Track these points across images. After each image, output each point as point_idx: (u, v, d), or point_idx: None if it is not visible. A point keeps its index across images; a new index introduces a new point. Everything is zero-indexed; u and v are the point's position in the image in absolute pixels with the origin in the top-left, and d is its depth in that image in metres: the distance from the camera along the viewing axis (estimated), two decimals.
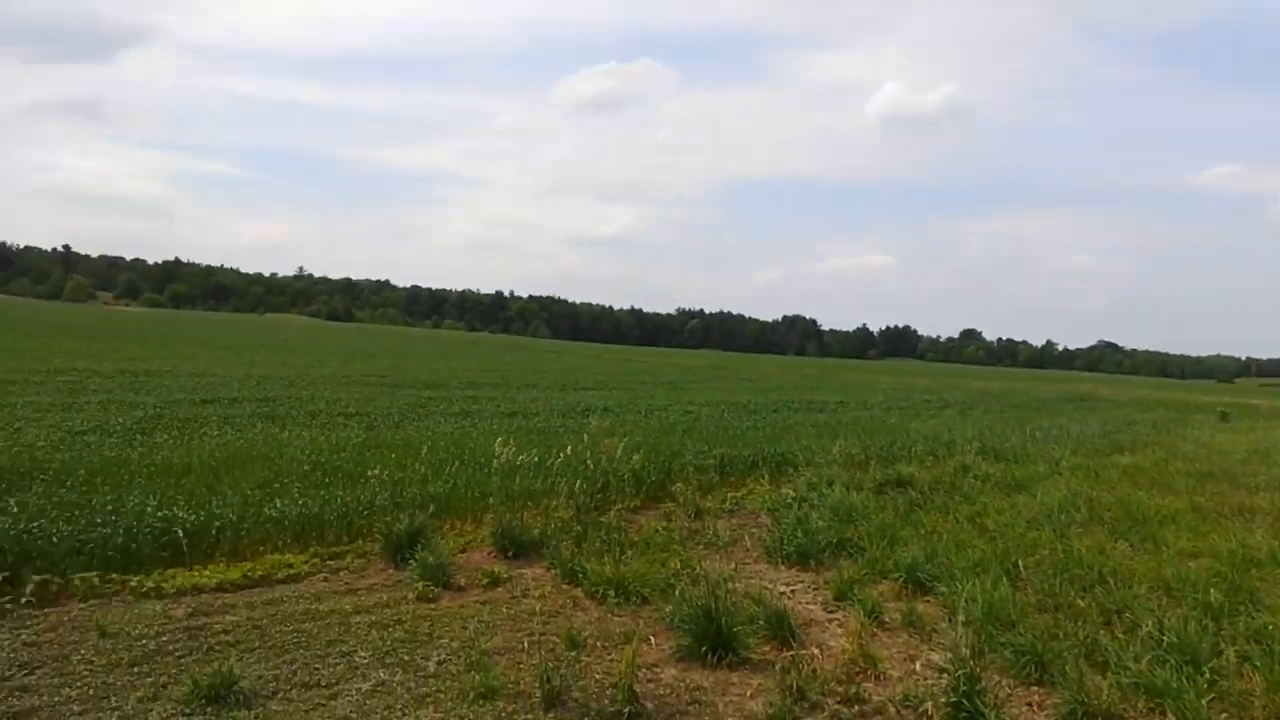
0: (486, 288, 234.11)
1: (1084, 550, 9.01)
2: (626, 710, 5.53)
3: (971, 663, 5.81)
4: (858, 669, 6.42)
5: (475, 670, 5.99)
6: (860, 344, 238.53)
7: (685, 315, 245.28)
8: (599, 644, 6.71)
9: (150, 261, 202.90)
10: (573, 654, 6.43)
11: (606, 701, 5.61)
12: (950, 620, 6.99)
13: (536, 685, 5.70)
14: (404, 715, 5.37)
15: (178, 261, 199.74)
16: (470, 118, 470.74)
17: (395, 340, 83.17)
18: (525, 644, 6.58)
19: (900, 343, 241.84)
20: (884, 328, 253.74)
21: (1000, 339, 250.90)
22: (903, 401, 36.87)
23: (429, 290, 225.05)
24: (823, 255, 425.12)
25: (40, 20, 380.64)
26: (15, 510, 8.01)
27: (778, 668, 6.32)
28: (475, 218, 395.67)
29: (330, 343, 63.86)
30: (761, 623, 6.98)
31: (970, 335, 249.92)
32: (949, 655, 5.97)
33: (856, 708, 5.89)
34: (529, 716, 5.45)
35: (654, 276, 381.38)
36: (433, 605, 7.55)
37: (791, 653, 6.54)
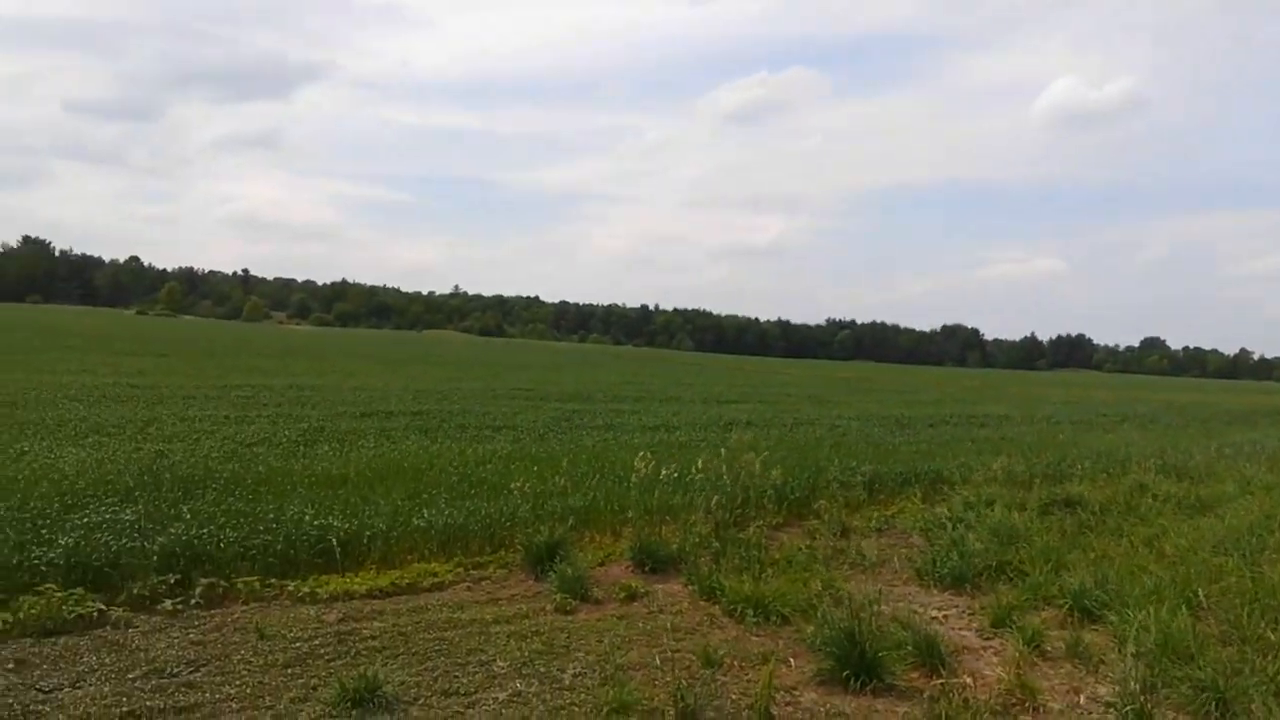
0: (633, 302, 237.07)
1: (1277, 579, 8.09)
2: None
3: (1142, 697, 5.29)
4: (1014, 700, 5.97)
5: (610, 685, 5.92)
6: (1028, 354, 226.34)
7: (835, 326, 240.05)
8: (736, 663, 6.51)
9: (320, 283, 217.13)
10: (708, 672, 6.27)
11: None
12: (1120, 651, 6.40)
13: (670, 703, 5.57)
14: None
15: (344, 282, 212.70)
16: (619, 135, 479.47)
17: (543, 354, 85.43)
18: (660, 660, 6.46)
19: (1073, 353, 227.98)
20: (1055, 337, 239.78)
21: (1186, 348, 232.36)
22: (1075, 415, 34.70)
23: (576, 305, 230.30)
24: (986, 262, 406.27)
25: (226, 63, 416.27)
26: (188, 517, 8.58)
27: (926, 696, 5.96)
28: (622, 233, 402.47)
29: (482, 357, 66.24)
30: (910, 648, 6.59)
31: (1152, 344, 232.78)
32: (1117, 688, 5.45)
33: None
34: None
35: (803, 288, 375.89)
36: (570, 617, 7.56)
37: (942, 681, 6.15)
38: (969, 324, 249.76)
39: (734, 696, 5.92)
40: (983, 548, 9.48)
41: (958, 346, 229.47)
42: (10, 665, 5.78)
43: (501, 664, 6.34)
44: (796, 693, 6.09)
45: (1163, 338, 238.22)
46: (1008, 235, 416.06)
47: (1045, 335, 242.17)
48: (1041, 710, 5.87)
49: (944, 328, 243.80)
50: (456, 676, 6.07)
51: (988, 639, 7.33)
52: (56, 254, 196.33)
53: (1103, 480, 14.43)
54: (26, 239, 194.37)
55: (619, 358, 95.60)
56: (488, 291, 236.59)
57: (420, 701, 5.63)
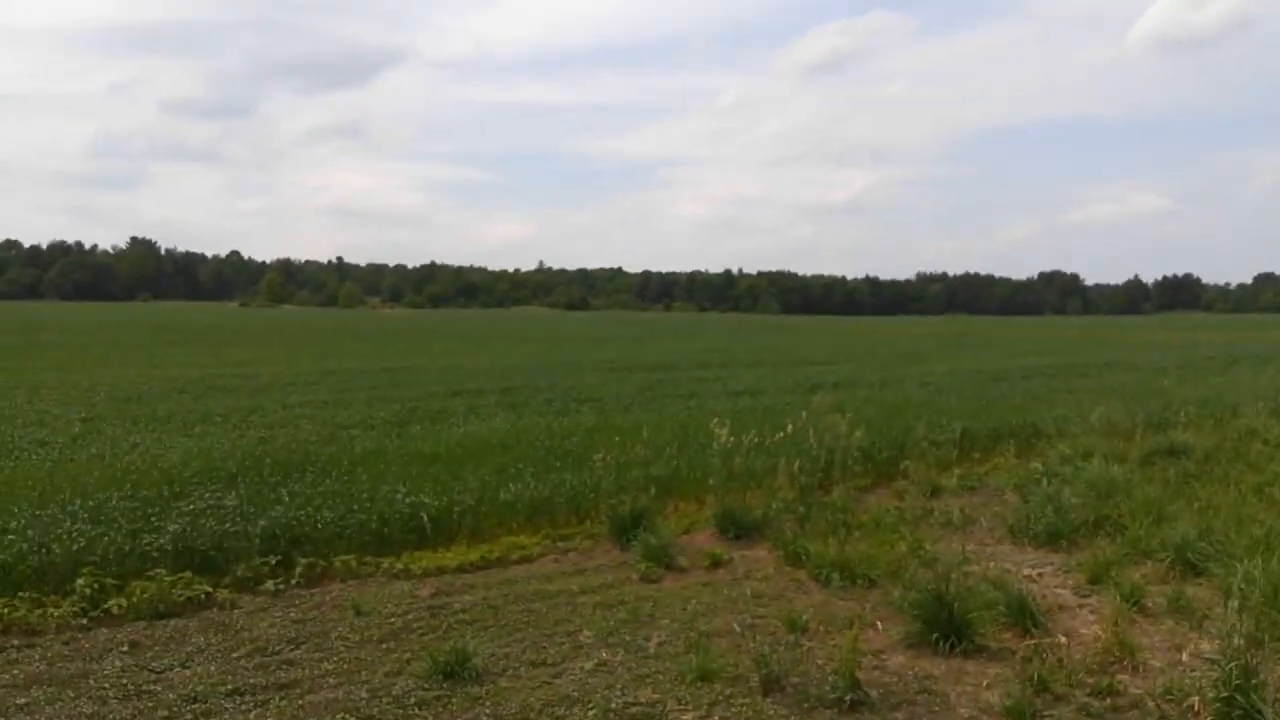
0: (716, 267, 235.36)
1: None
2: (849, 698, 5.26)
3: (1249, 652, 5.01)
4: (1112, 659, 5.77)
5: (694, 652, 5.95)
6: (1131, 298, 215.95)
7: (926, 280, 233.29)
8: (821, 628, 6.47)
9: (410, 266, 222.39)
10: (793, 637, 6.24)
11: (828, 688, 5.36)
12: (1225, 605, 6.10)
13: (755, 669, 5.57)
14: (624, 695, 5.42)
15: (433, 264, 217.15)
16: (696, 98, 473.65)
17: (627, 325, 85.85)
18: (743, 626, 6.46)
19: (1180, 294, 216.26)
20: (1160, 278, 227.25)
21: None
22: (1181, 360, 33.14)
23: (659, 274, 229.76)
24: (1084, 203, 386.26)
25: (307, 55, 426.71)
26: (288, 499, 8.95)
27: (1019, 656, 5.82)
28: (703, 197, 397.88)
29: (567, 331, 66.95)
30: (1001, 608, 6.44)
31: (1268, 280, 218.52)
32: (1221, 644, 5.20)
33: (1109, 700, 5.29)
34: (746, 701, 5.33)
35: (891, 242, 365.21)
36: (655, 586, 7.63)
37: (1035, 640, 5.98)
38: (1068, 270, 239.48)
39: (819, 661, 5.88)
40: (1079, 502, 9.16)
41: (1056, 294, 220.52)
42: (125, 647, 6.13)
43: (588, 634, 6.44)
44: (884, 656, 6.02)
45: (1277, 273, 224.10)
46: (1107, 173, 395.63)
47: (1150, 277, 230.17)
48: (1141, 668, 5.66)
49: (1041, 275, 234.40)
50: (544, 647, 6.19)
51: (1084, 596, 7.10)
52: (162, 252, 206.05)
53: (1209, 426, 13.81)
54: (134, 240, 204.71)
55: (703, 324, 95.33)
56: (571, 265, 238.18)
57: (509, 672, 5.77)
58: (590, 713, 5.19)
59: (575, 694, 5.44)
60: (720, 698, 5.37)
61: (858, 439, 10.59)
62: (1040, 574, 7.68)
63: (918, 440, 12.43)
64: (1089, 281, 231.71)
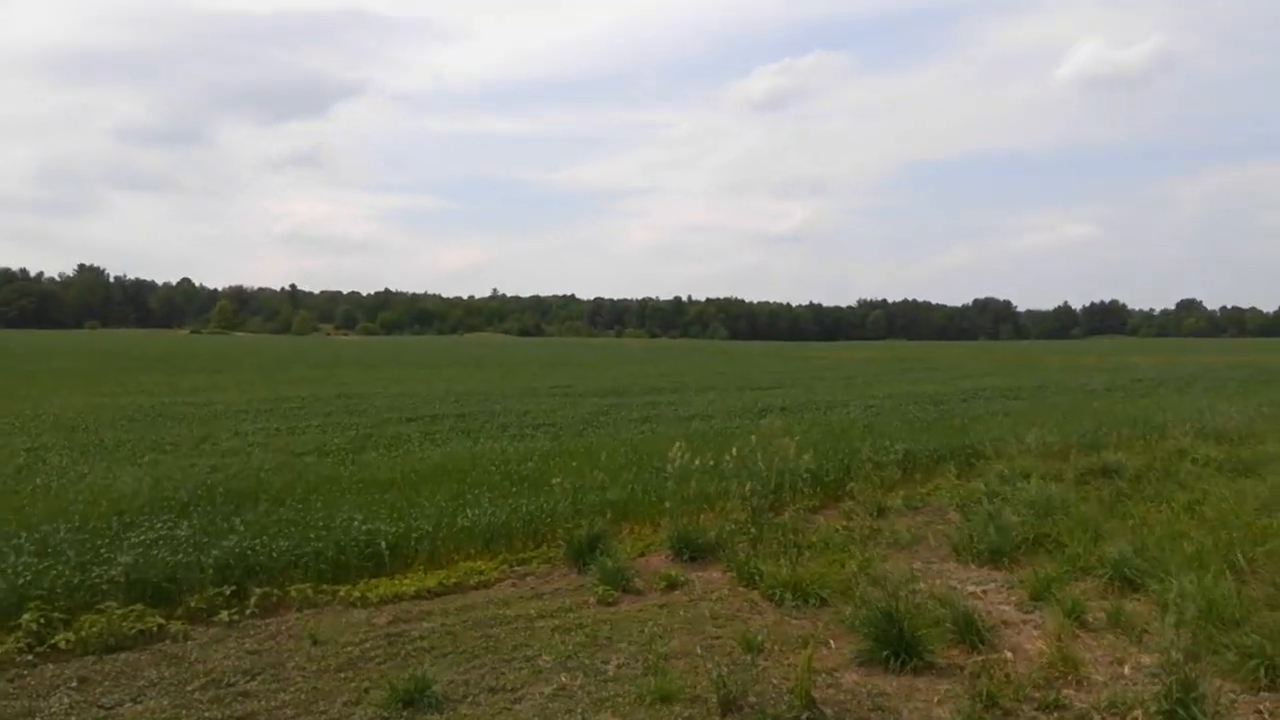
0: (666, 294, 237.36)
1: None
2: (804, 716, 5.41)
3: (1187, 666, 5.28)
4: (1057, 673, 5.99)
5: (653, 674, 6.05)
6: (1061, 324, 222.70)
7: (867, 307, 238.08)
8: (776, 647, 6.61)
9: (364, 293, 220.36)
10: (749, 658, 6.37)
11: (784, 707, 5.51)
12: (1162, 619, 6.38)
13: (713, 690, 5.69)
14: (583, 719, 5.50)
15: (388, 291, 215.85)
16: (648, 130, 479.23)
17: (580, 351, 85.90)
18: (701, 648, 6.58)
19: (1108, 319, 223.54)
20: (1088, 304, 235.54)
21: (1224, 307, 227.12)
22: (1110, 383, 34.23)
23: (611, 301, 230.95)
24: (1016, 232, 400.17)
25: (265, 85, 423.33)
26: (242, 529, 8.85)
27: (967, 672, 6.02)
28: (654, 226, 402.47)
29: (521, 357, 66.73)
30: (949, 625, 6.64)
31: (1189, 306, 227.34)
32: (1161, 657, 5.46)
33: (1056, 715, 5.50)
34: None
35: (833, 270, 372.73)
36: (612, 609, 7.71)
37: (982, 657, 6.20)
38: (1001, 296, 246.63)
39: (775, 681, 6.01)
40: (1019, 520, 9.46)
41: (990, 320, 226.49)
42: (74, 684, 6.01)
43: (546, 658, 6.51)
44: (837, 674, 6.18)
45: (1199, 299, 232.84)
46: (1038, 204, 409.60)
47: (1079, 303, 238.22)
48: (1085, 683, 5.89)
49: (975, 302, 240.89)
50: (503, 673, 6.24)
51: (1027, 612, 7.35)
52: (111, 280, 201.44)
53: (1140, 447, 14.28)
54: (82, 267, 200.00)
55: (654, 350, 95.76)
56: (525, 292, 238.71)
57: (469, 699, 5.80)
58: None
59: (535, 719, 5.50)
60: (679, 719, 5.47)
61: (806, 461, 10.81)
62: (985, 591, 7.92)
63: (863, 462, 12.71)
64: (1021, 308, 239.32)
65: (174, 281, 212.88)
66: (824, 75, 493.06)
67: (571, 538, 9.17)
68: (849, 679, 6.13)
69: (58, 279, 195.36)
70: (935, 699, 5.76)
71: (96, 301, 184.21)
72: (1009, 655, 6.33)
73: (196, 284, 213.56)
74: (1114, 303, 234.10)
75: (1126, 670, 6.08)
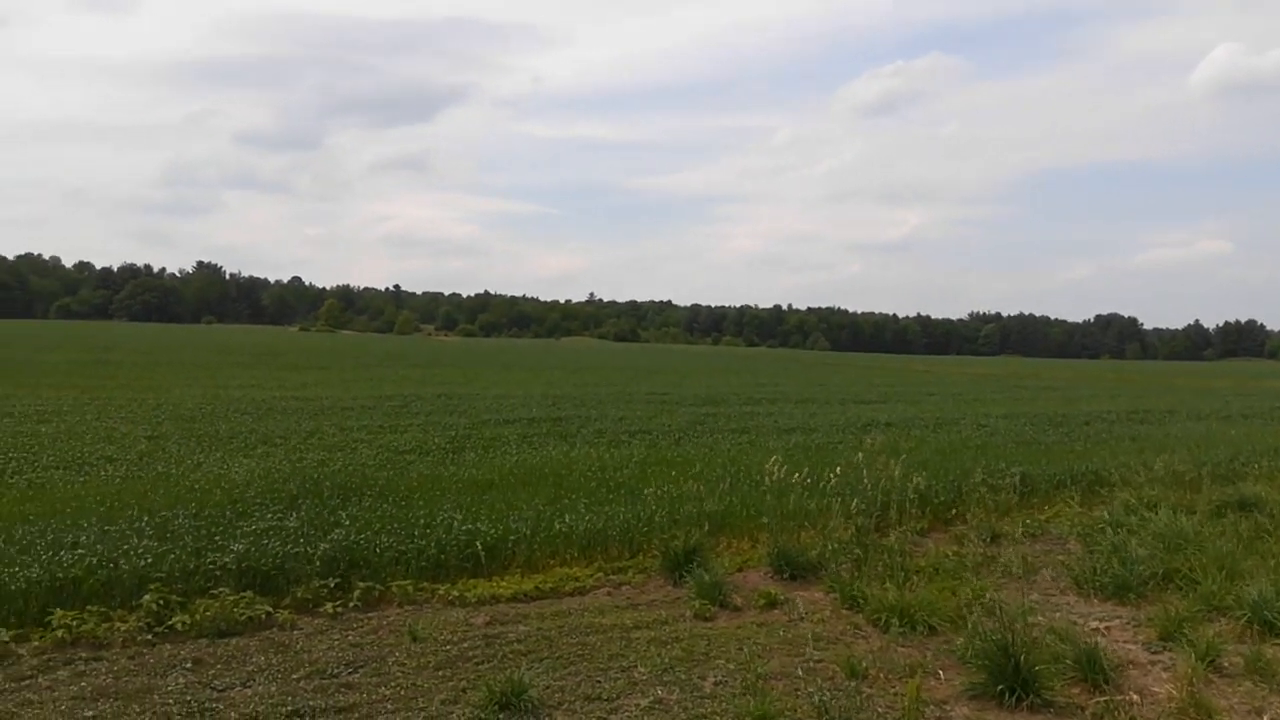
0: (765, 303, 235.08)
1: None
2: None
3: None
4: None
5: (751, 694, 5.87)
6: (1192, 344, 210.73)
7: (979, 320, 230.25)
8: (881, 675, 6.33)
9: (465, 295, 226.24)
10: (852, 684, 6.12)
11: None
12: None
13: (814, 714, 5.47)
14: None
15: (487, 294, 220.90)
16: (749, 136, 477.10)
17: (676, 358, 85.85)
18: (802, 670, 6.36)
19: (1243, 340, 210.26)
20: (1221, 324, 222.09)
21: None
22: (1247, 409, 32.12)
23: (708, 308, 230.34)
24: (1144, 247, 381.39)
25: (375, 91, 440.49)
26: (347, 523, 9.07)
27: (1088, 713, 5.63)
28: (754, 234, 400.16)
29: (617, 362, 67.14)
30: (1069, 661, 6.24)
31: None
32: None
33: None
34: None
35: (943, 281, 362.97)
36: (709, 624, 7.55)
37: (1106, 697, 5.79)
38: (1126, 313, 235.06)
39: (879, 710, 5.75)
40: (1147, 554, 8.87)
41: (1114, 338, 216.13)
42: (188, 664, 6.24)
43: (642, 670, 6.39)
44: (946, 707, 5.87)
45: None
46: (1167, 217, 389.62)
47: (1211, 322, 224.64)
48: None
49: (1098, 318, 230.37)
50: (599, 681, 6.15)
51: (1155, 653, 6.85)
52: (227, 277, 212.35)
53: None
54: (200, 264, 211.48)
55: (752, 359, 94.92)
56: (622, 298, 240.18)
57: (564, 706, 5.74)
58: None
59: None
60: None
61: (916, 482, 10.41)
62: (1108, 627, 7.43)
63: (976, 484, 12.18)
64: (1148, 325, 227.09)
65: (285, 280, 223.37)
66: (938, 78, 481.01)
67: (668, 549, 9.04)
68: (959, 712, 5.81)
69: (178, 275, 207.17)
70: None
71: (213, 298, 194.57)
72: (1135, 697, 5.89)
73: (306, 283, 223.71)
74: (1250, 323, 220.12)
75: None
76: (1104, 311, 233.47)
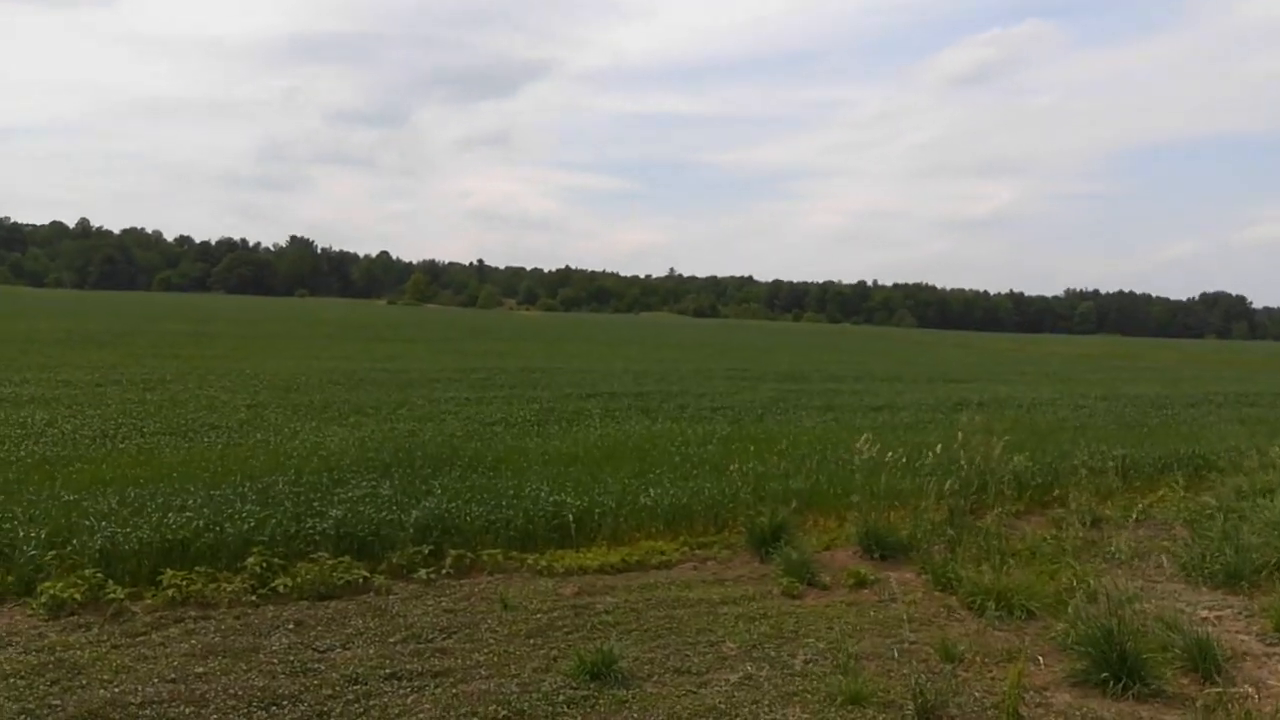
0: (849, 279, 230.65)
1: None
2: None
3: None
4: None
5: (843, 673, 5.78)
6: None
7: (1075, 297, 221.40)
8: (977, 659, 6.18)
9: (546, 270, 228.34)
10: (948, 667, 5.98)
11: None
12: None
13: (909, 697, 5.36)
14: (771, 712, 5.32)
15: (568, 269, 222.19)
16: (834, 109, 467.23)
17: (757, 334, 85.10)
18: (895, 651, 6.24)
19: None
20: None
21: None
22: None
23: (790, 284, 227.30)
24: (1253, 222, 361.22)
25: (459, 67, 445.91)
26: (439, 492, 9.26)
27: (1199, 704, 5.38)
28: (837, 209, 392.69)
29: (697, 338, 66.95)
30: (1177, 650, 5.99)
31: None
32: None
33: None
34: None
35: (1037, 258, 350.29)
36: (797, 602, 7.48)
37: (1219, 689, 5.52)
38: (1233, 291, 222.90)
39: (977, 694, 5.61)
40: (1260, 542, 8.43)
41: (1220, 317, 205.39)
42: (290, 625, 6.46)
43: (731, 645, 6.37)
44: (1047, 693, 5.69)
45: None
46: (1277, 192, 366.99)
47: None
48: None
49: (1203, 296, 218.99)
50: (687, 655, 6.15)
51: (1271, 645, 6.52)
52: (319, 251, 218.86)
53: None
54: (293, 239, 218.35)
55: (836, 335, 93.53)
56: (702, 273, 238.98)
57: (654, 678, 5.75)
58: None
59: (722, 706, 5.37)
60: None
61: (1016, 462, 10.09)
62: (1219, 617, 7.10)
63: (1075, 466, 11.75)
64: (1256, 304, 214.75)
65: (373, 254, 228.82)
66: (1034, 47, 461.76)
67: (754, 525, 8.98)
68: (1060, 699, 5.63)
69: (272, 249, 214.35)
70: None
71: (306, 271, 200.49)
72: (1251, 690, 5.60)
73: (394, 257, 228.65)
74: None
75: None
76: (1209, 290, 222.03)
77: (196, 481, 9.40)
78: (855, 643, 6.45)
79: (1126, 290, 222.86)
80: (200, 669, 5.63)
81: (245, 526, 7.80)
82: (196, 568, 7.20)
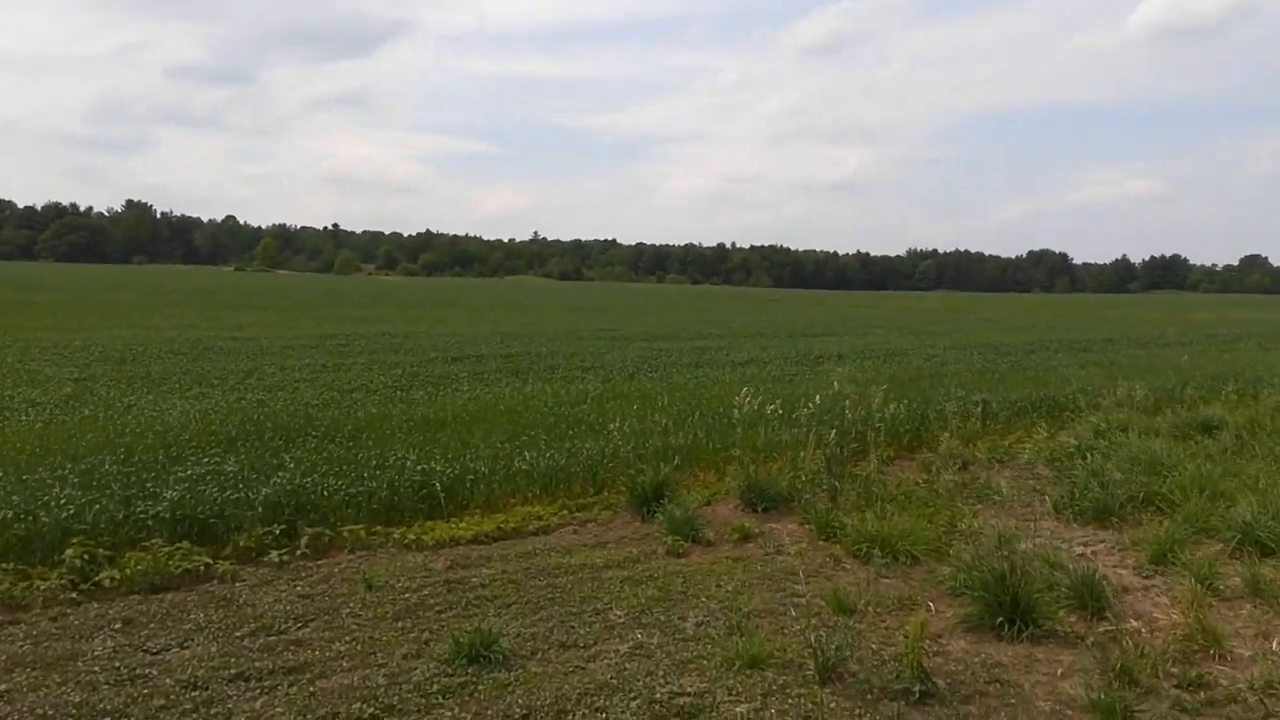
0: (709, 241, 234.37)
1: None
2: (918, 689, 4.81)
3: None
4: (1196, 647, 5.33)
5: (738, 634, 5.50)
6: (1118, 278, 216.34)
7: (917, 256, 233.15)
8: (870, 609, 6.02)
9: (406, 234, 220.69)
10: (843, 620, 5.77)
11: (892, 677, 4.91)
12: None
13: (807, 655, 5.11)
14: (667, 683, 4.94)
15: (429, 233, 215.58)
16: (697, 75, 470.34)
17: (622, 295, 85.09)
18: (789, 607, 6.00)
19: (1167, 274, 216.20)
20: (1147, 258, 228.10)
21: None
22: (1182, 337, 32.89)
23: (653, 246, 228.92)
24: (1077, 186, 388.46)
25: (315, 24, 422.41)
26: (291, 466, 8.43)
27: (1092, 643, 5.37)
28: (699, 173, 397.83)
29: (563, 300, 66.25)
30: (1064, 589, 5.99)
31: (1254, 261, 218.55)
32: None
33: (1204, 694, 4.85)
34: (803, 691, 4.87)
35: (884, 220, 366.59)
36: (683, 560, 7.17)
37: (1109, 626, 5.55)
38: (1057, 249, 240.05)
39: (874, 646, 5.43)
40: (1123, 477, 8.71)
41: (1045, 272, 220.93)
42: (118, 625, 5.62)
43: (618, 612, 5.99)
44: (943, 641, 5.56)
45: (1264, 255, 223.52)
46: (1102, 158, 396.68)
47: (1138, 257, 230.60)
48: (1229, 657, 5.23)
49: (1030, 254, 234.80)
50: (573, 627, 5.73)
51: (1148, 577, 6.65)
52: (158, 216, 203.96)
53: (1236, 402, 13.38)
54: (130, 203, 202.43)
55: (697, 296, 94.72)
56: (566, 237, 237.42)
57: (538, 655, 5.30)
58: (633, 703, 4.70)
59: (614, 681, 4.96)
60: (774, 687, 4.89)
61: (893, 410, 10.11)
62: (1094, 552, 7.23)
63: (941, 412, 11.97)
64: (1077, 260, 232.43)
65: (219, 219, 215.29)
66: (883, 19, 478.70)
67: (635, 484, 8.62)
68: (957, 646, 5.52)
69: (106, 214, 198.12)
70: (1059, 671, 5.13)
71: (144, 237, 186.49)
72: (1137, 625, 5.67)
73: (241, 222, 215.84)
74: (1175, 257, 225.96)
75: (1275, 645, 5.39)
76: (1036, 248, 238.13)
77: (8, 465, 8.21)
78: (747, 600, 6.18)
79: (962, 249, 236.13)
80: (3, 685, 4.75)
81: (64, 514, 6.80)
82: (4, 564, 6.23)
